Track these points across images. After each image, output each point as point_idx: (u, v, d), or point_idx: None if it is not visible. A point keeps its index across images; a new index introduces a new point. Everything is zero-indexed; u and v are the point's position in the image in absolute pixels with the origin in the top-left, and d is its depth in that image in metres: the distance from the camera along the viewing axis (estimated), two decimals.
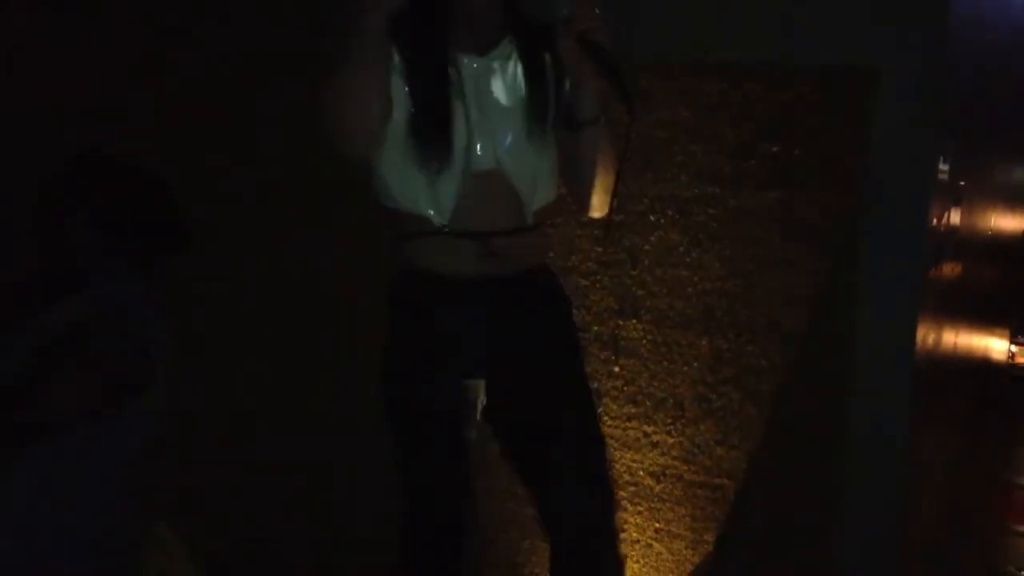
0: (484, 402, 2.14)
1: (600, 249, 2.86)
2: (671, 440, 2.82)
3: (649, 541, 2.87)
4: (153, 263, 2.30)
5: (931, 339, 2.84)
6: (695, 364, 2.77)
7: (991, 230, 4.51)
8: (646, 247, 2.80)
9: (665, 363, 2.80)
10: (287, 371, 3.36)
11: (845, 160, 2.60)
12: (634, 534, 2.88)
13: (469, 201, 2.05)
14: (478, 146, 2.03)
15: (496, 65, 2.04)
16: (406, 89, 2.00)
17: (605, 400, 2.86)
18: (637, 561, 2.89)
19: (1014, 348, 5.61)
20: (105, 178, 2.28)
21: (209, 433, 3.36)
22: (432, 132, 2.01)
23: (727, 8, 2.67)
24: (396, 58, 1.99)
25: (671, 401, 2.80)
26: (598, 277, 2.87)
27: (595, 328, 2.87)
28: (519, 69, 2.06)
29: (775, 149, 2.66)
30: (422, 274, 2.11)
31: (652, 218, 2.78)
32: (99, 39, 3.55)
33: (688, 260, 2.76)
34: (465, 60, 2.03)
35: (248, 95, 3.31)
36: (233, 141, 3.34)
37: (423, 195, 2.05)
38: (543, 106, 2.06)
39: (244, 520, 3.39)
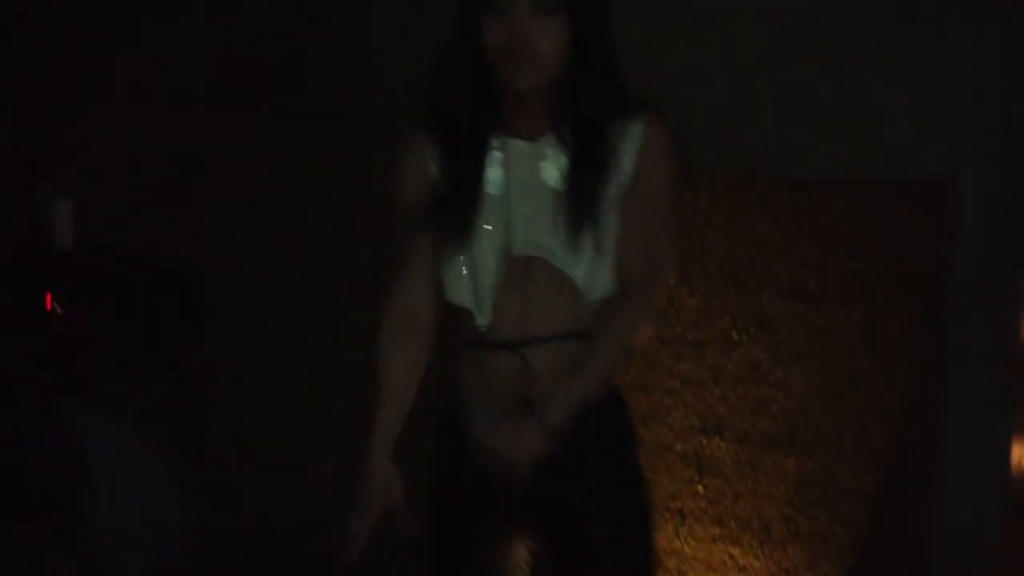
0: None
1: (682, 365, 2.84)
2: (758, 564, 2.74)
3: None
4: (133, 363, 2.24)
5: None
6: (781, 485, 2.70)
7: None
8: (728, 365, 2.76)
9: (750, 483, 2.74)
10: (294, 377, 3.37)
11: (929, 275, 2.55)
12: None
13: (513, 293, 2.01)
14: (517, 230, 2.01)
15: (548, 151, 2.02)
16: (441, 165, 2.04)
17: (689, 521, 2.80)
18: None
19: None
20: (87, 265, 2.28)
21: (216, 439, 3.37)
22: (453, 209, 2.02)
23: (807, 123, 2.67)
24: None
25: (757, 523, 2.73)
26: (680, 394, 2.84)
27: (678, 446, 2.83)
28: (568, 155, 2.02)
29: (858, 265, 2.63)
30: (462, 395, 2.09)
31: (734, 335, 2.75)
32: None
33: (772, 378, 2.72)
34: (512, 142, 2.03)
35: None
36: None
37: (465, 285, 2.05)
38: (591, 191, 1.99)
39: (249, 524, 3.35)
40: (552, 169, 2.02)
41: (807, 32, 2.66)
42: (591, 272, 2.02)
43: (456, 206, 2.02)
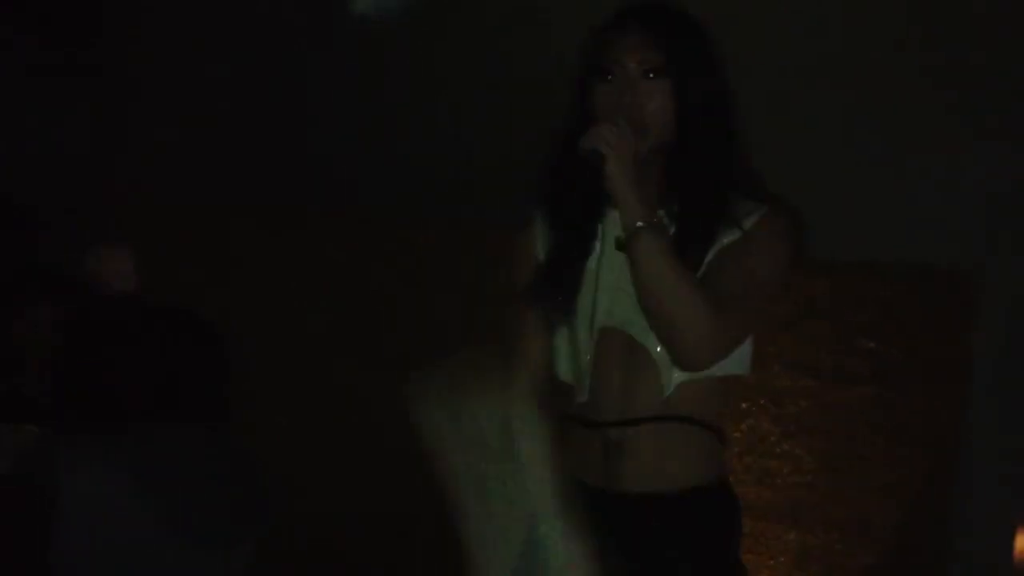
0: None
1: None
2: None
3: None
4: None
5: None
6: (781, 558, 2.70)
7: None
8: (736, 434, 2.75)
9: (750, 555, 2.72)
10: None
11: (943, 361, 2.63)
12: None
13: (603, 367, 1.93)
14: (602, 301, 1.94)
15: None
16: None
17: None
18: None
19: None
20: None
21: None
22: (551, 284, 1.94)
23: (828, 204, 2.72)
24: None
25: None
26: None
27: None
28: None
29: (871, 346, 2.69)
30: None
31: (744, 405, 2.76)
32: None
33: (778, 451, 2.73)
34: (612, 214, 1.93)
35: None
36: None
37: (567, 359, 1.97)
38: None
39: None
40: None
41: (838, 117, 2.74)
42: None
43: (554, 281, 1.95)
